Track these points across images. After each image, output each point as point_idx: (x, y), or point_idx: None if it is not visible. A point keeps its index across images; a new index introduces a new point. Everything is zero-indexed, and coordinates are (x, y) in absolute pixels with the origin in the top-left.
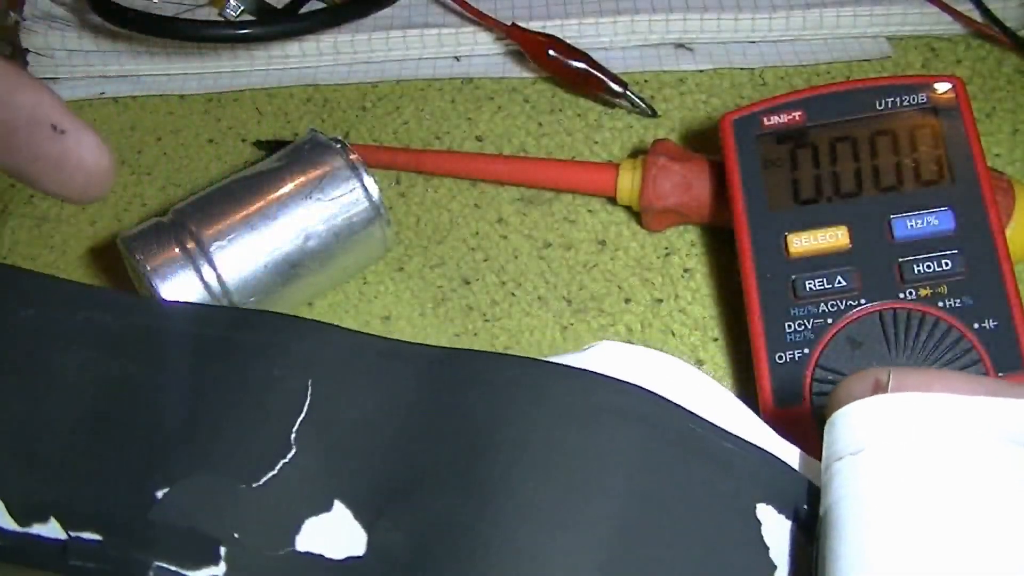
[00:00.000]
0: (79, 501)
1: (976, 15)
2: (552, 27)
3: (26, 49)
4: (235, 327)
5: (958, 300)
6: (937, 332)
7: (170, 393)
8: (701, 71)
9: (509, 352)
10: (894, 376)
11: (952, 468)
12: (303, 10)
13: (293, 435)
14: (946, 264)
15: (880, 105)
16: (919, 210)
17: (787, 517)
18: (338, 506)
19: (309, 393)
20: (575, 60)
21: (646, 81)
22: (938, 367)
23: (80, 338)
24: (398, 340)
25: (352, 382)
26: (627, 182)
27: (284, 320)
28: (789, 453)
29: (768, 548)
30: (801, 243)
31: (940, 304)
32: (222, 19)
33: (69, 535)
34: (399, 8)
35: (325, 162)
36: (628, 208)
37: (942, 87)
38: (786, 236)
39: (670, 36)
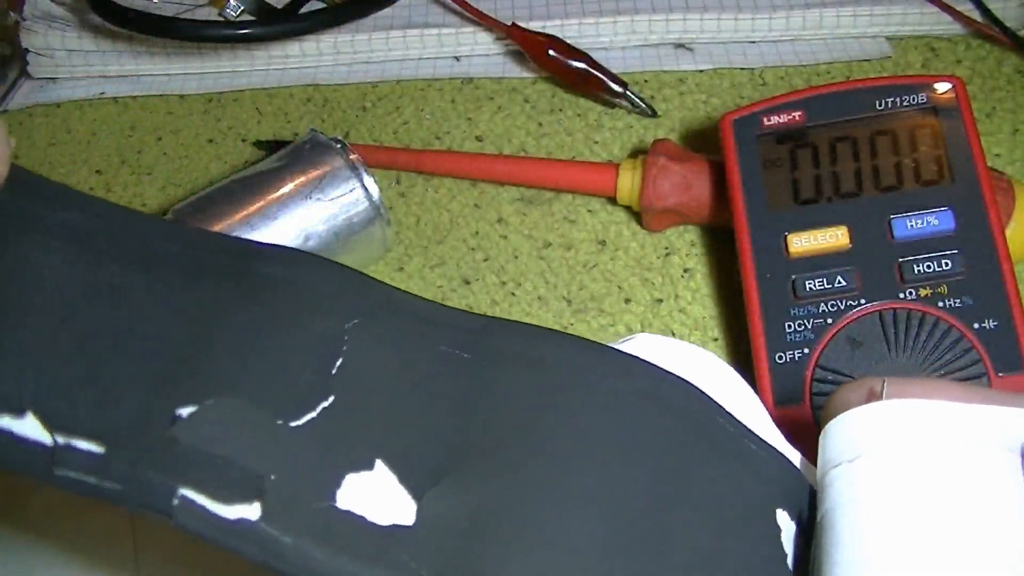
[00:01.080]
0: (67, 403)
1: (976, 15)
2: (552, 27)
3: (26, 49)
4: (261, 259)
5: (958, 300)
6: (937, 332)
7: (177, 310)
8: (701, 71)
9: None
10: (890, 384)
11: (948, 475)
12: (303, 10)
13: (332, 378)
14: (946, 264)
15: (880, 105)
16: (919, 210)
17: (795, 523)
18: (380, 467)
19: (346, 339)
20: (575, 60)
21: (646, 81)
22: (938, 367)
23: (64, 235)
24: (435, 303)
25: (389, 340)
26: (627, 182)
27: (314, 260)
28: (792, 457)
29: (786, 555)
30: (801, 243)
31: (940, 304)
32: (222, 19)
33: (56, 440)
34: (399, 8)
35: (325, 162)
36: (628, 208)
37: (942, 87)
38: (786, 236)
39: (670, 36)
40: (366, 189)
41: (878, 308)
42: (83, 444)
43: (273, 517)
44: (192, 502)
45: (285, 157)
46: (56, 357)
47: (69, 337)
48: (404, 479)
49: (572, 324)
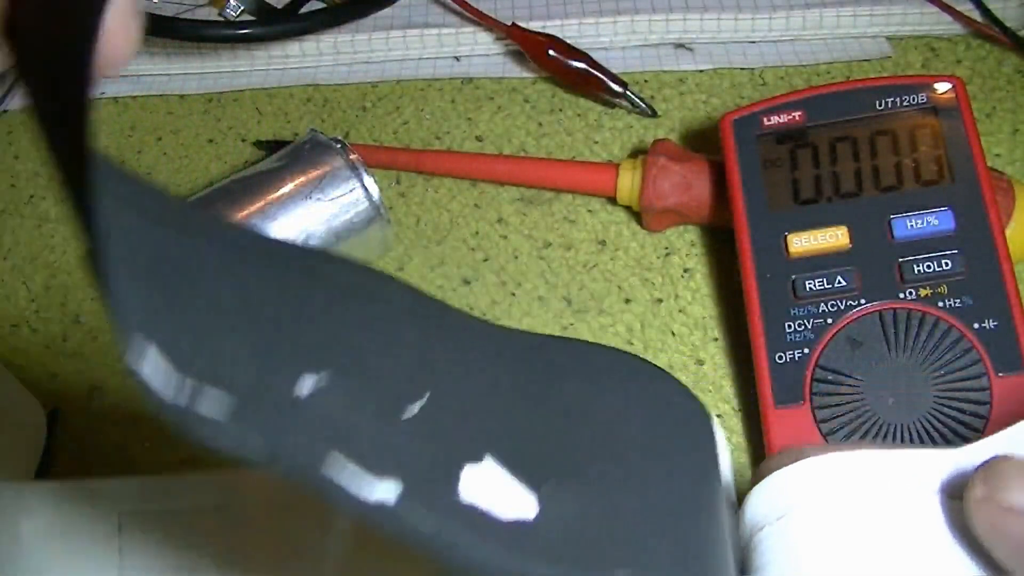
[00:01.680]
0: (184, 339)
1: (976, 15)
2: (552, 27)
3: None
4: (325, 261)
5: (958, 300)
6: (937, 332)
7: (277, 288)
8: (701, 71)
9: None
10: (816, 450)
11: (873, 521)
12: (303, 10)
13: (425, 378)
14: (946, 264)
15: (880, 105)
16: (919, 210)
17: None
18: (489, 461)
19: (428, 348)
20: (575, 60)
21: (646, 81)
22: (938, 367)
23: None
24: (480, 320)
25: (465, 354)
26: (627, 182)
27: (378, 275)
28: None
29: None
30: (801, 243)
31: (940, 304)
32: (222, 19)
33: (188, 384)
34: (399, 8)
35: (325, 162)
36: (628, 208)
37: (942, 87)
38: (786, 236)
39: (670, 36)
40: (366, 189)
41: (878, 308)
42: (209, 388)
43: (412, 500)
44: (343, 466)
45: (285, 157)
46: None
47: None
48: (518, 474)
49: (572, 324)
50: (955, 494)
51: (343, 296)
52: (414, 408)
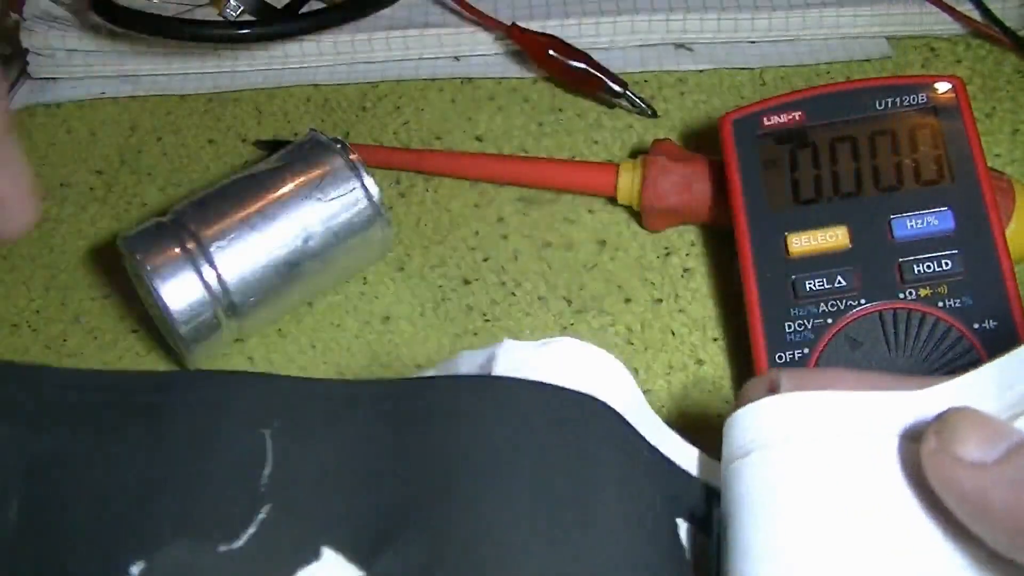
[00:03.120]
0: None
1: (976, 15)
2: (552, 27)
3: (26, 49)
4: (160, 390)
5: (958, 300)
6: (937, 332)
7: (111, 463)
8: (701, 71)
9: None
10: (787, 377)
11: (832, 464)
12: (303, 10)
13: (263, 488)
14: (946, 264)
15: (880, 105)
16: (919, 210)
17: (687, 520)
18: (328, 552)
19: (269, 446)
20: (575, 60)
21: (646, 81)
22: (938, 367)
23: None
24: (347, 381)
25: (311, 429)
26: (627, 182)
27: (218, 378)
28: (688, 453)
29: (685, 550)
30: (801, 243)
31: (940, 304)
32: (222, 19)
33: None
34: (399, 8)
35: (325, 162)
36: (628, 208)
37: (942, 87)
38: (786, 236)
39: (670, 36)
40: (366, 189)
41: (878, 308)
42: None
43: None
44: None
45: (285, 157)
46: (17, 540)
47: (25, 519)
48: (352, 557)
49: (572, 324)
50: (916, 437)
51: (164, 432)
52: (248, 531)
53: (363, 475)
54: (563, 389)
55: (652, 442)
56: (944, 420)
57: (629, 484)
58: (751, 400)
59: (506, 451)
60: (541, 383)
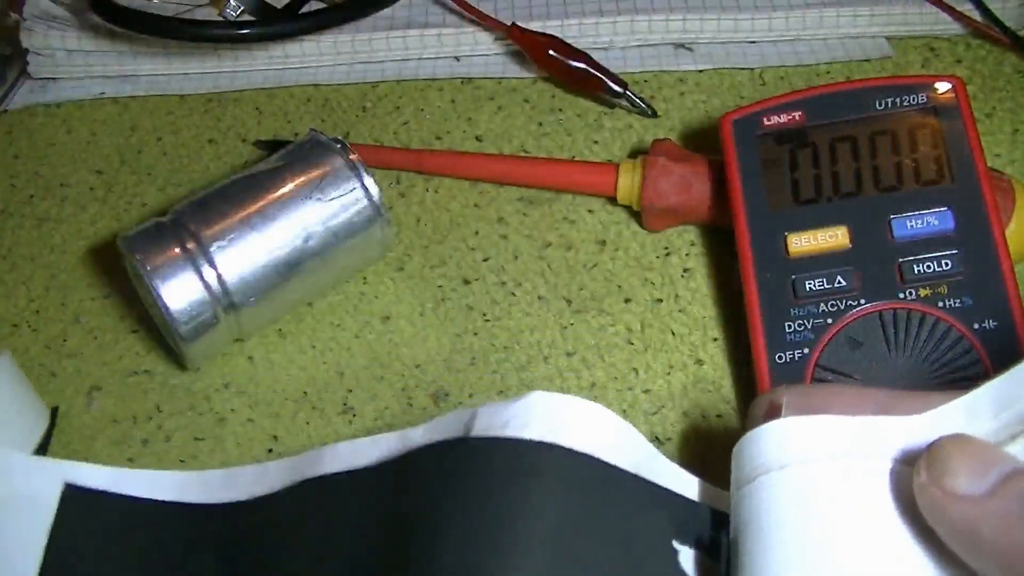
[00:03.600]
0: None
1: (976, 15)
2: (552, 27)
3: (26, 49)
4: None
5: (958, 300)
6: (937, 332)
7: None
8: (701, 71)
9: (509, 351)
10: (789, 396)
11: (833, 490)
12: (303, 10)
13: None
14: (946, 264)
15: (880, 105)
16: (919, 210)
17: (690, 547)
18: None
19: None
20: (575, 60)
21: (646, 81)
22: (938, 367)
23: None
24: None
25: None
26: (627, 182)
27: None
28: (690, 483)
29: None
30: (801, 243)
31: (940, 304)
32: (222, 19)
33: None
34: (399, 8)
35: (325, 162)
36: (628, 208)
37: (942, 87)
38: (786, 236)
39: (670, 36)
40: (366, 189)
41: (878, 308)
42: None
43: None
44: None
45: (285, 157)
46: None
47: None
48: None
49: (572, 324)
50: (912, 463)
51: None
52: None
53: (366, 536)
54: (520, 442)
55: (644, 473)
56: (935, 452)
57: (586, 518)
58: (756, 422)
59: (452, 508)
60: (499, 439)
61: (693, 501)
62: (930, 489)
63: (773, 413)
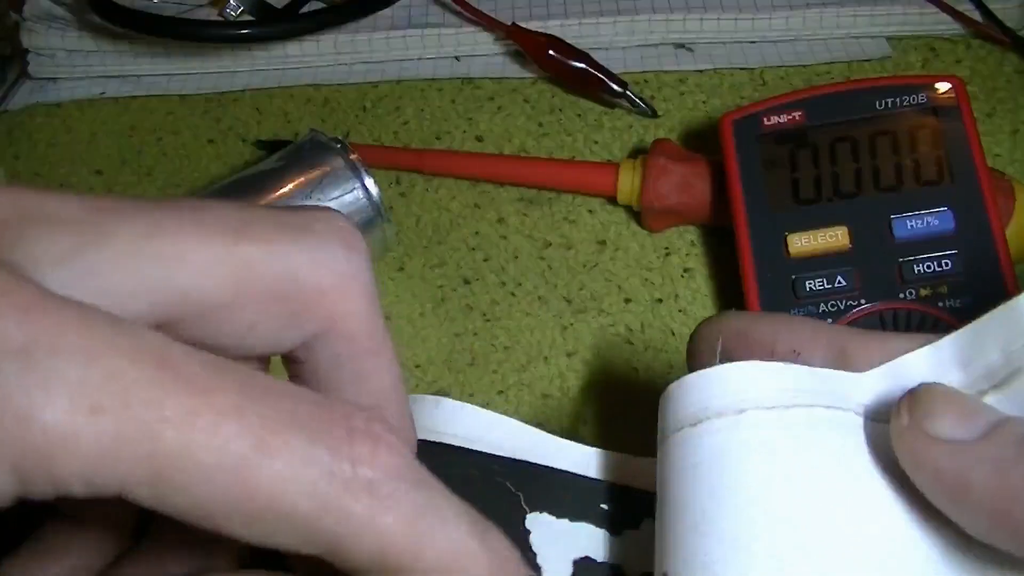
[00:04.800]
0: None
1: (976, 15)
2: (552, 27)
3: (26, 49)
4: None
5: (958, 300)
6: (937, 332)
7: None
8: (701, 71)
9: (509, 351)
10: (742, 320)
11: (795, 439)
12: (303, 10)
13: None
14: (946, 264)
15: (880, 105)
16: (919, 210)
17: (571, 520)
18: None
19: None
20: (575, 60)
21: (646, 81)
22: None
23: None
24: None
25: None
26: (627, 182)
27: None
28: (589, 458)
29: (536, 554)
30: (801, 243)
31: (940, 304)
32: (222, 19)
33: None
34: (399, 8)
35: (325, 162)
36: (628, 208)
37: (942, 87)
38: (786, 236)
39: (670, 36)
40: (366, 189)
41: (878, 308)
42: None
43: None
44: None
45: (285, 157)
46: None
47: None
48: None
49: (572, 324)
50: (877, 417)
51: None
52: None
53: None
54: (460, 449)
55: (534, 459)
56: (917, 396)
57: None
58: (703, 357)
59: None
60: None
61: (591, 478)
62: (912, 433)
63: (716, 347)
